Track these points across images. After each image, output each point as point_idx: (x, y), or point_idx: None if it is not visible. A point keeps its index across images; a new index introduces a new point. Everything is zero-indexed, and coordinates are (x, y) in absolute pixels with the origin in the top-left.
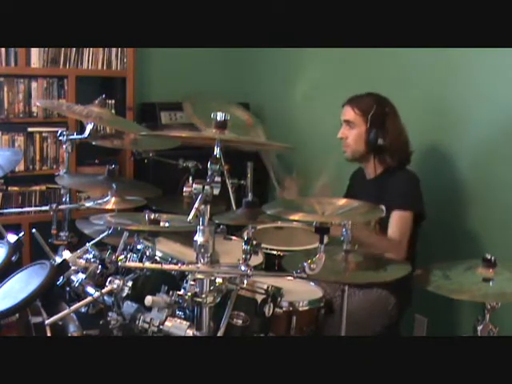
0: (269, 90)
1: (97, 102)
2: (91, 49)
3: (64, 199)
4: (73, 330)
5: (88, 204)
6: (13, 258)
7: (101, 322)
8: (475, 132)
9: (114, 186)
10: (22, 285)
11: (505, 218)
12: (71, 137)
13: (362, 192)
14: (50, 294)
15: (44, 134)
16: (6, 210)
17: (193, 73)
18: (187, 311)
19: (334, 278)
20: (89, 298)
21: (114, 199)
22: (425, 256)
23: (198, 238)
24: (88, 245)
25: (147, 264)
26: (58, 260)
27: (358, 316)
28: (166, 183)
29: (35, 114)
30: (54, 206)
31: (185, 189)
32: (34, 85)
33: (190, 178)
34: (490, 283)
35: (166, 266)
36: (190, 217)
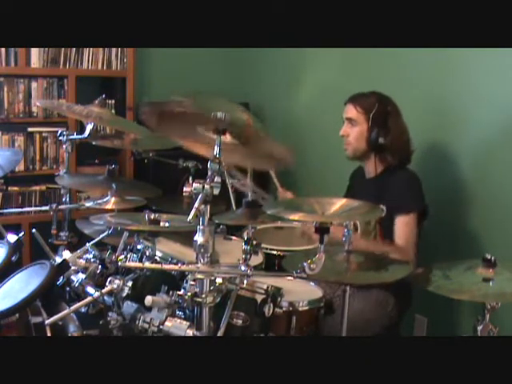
0: (269, 89)
1: (97, 102)
2: (91, 49)
3: (64, 199)
4: (73, 329)
5: (88, 204)
6: (13, 258)
7: (101, 322)
8: (475, 132)
9: (113, 186)
10: (22, 285)
11: (505, 218)
12: (71, 137)
13: (362, 191)
14: (50, 294)
15: (44, 134)
16: (6, 210)
17: (193, 73)
18: (187, 311)
19: (335, 279)
20: (89, 298)
21: (113, 199)
22: (425, 256)
23: (198, 238)
24: (88, 245)
25: (147, 264)
26: (58, 260)
27: (357, 317)
28: (166, 183)
29: (35, 114)
30: (54, 206)
31: (185, 189)
32: (34, 85)
33: (190, 178)
34: (490, 283)
35: (166, 266)
36: (190, 217)
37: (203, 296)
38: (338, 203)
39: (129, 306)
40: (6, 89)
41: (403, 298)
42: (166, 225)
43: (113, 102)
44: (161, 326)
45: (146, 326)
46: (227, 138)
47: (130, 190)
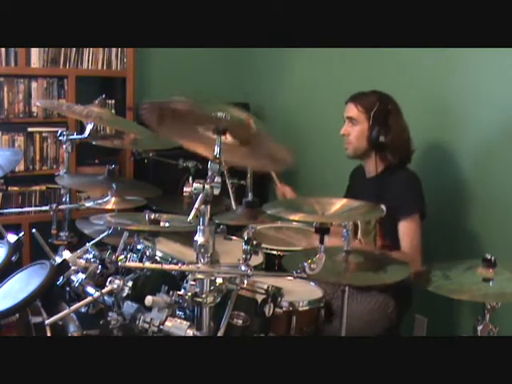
0: (269, 90)
1: (97, 102)
2: (91, 49)
3: (64, 199)
4: (73, 329)
5: (88, 204)
6: (13, 258)
7: (101, 322)
8: (475, 132)
9: (113, 186)
10: (22, 285)
11: (505, 217)
12: (71, 137)
13: (363, 191)
14: (50, 294)
15: (44, 134)
16: (6, 210)
17: (193, 73)
18: (187, 311)
19: (335, 279)
20: (89, 298)
21: (114, 199)
22: (425, 256)
23: (198, 238)
24: (88, 245)
25: (147, 264)
26: (58, 260)
27: (357, 320)
28: (166, 183)
29: (35, 114)
30: (54, 206)
31: (185, 189)
32: (34, 85)
33: (190, 178)
34: (490, 283)
35: (166, 266)
36: (190, 217)
37: (203, 296)
38: (338, 203)
39: (129, 306)
40: (6, 89)
41: (403, 300)
42: (166, 225)
43: (113, 102)
44: (161, 326)
45: (146, 325)
46: (227, 138)
47: (130, 189)
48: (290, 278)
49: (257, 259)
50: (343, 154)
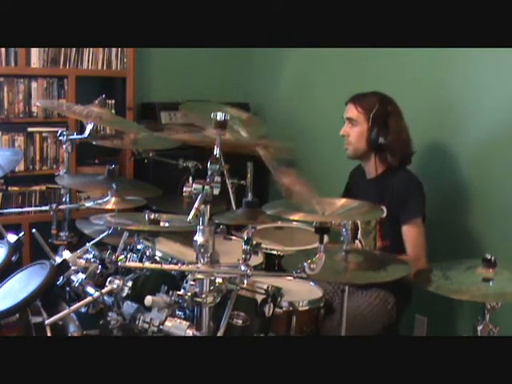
0: (269, 90)
1: (97, 102)
2: (91, 49)
3: (64, 199)
4: (73, 329)
5: (88, 204)
6: (13, 258)
7: (101, 322)
8: (475, 132)
9: (113, 186)
10: (22, 285)
11: (505, 217)
12: (71, 137)
13: (363, 192)
14: (50, 294)
15: (44, 134)
16: (6, 210)
17: (193, 73)
18: (187, 311)
19: (334, 278)
20: (89, 298)
21: (114, 199)
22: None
23: (198, 238)
24: (88, 245)
25: (147, 264)
26: (58, 260)
27: (357, 316)
28: (166, 183)
29: (35, 114)
30: (54, 206)
31: (185, 189)
32: (34, 85)
33: (190, 178)
34: (490, 283)
35: (166, 266)
36: (190, 217)
37: (203, 296)
38: (338, 203)
39: (129, 306)
40: (6, 89)
41: (403, 296)
42: (166, 225)
43: (113, 102)
44: (161, 326)
45: (146, 325)
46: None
47: (130, 190)
48: (289, 278)
49: (257, 259)
50: (343, 154)
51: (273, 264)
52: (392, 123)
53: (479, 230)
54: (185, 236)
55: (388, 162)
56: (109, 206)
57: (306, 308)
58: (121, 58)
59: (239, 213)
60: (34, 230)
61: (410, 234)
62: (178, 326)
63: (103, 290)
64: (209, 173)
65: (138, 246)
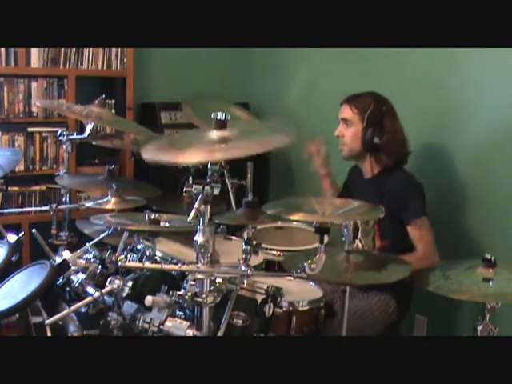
0: (269, 89)
1: (97, 102)
2: (91, 49)
3: (64, 199)
4: (73, 329)
5: (88, 204)
6: (13, 258)
7: (101, 322)
8: (475, 132)
9: (113, 186)
10: (22, 285)
11: (505, 217)
12: (71, 137)
13: (361, 192)
14: (50, 294)
15: (44, 134)
16: (6, 210)
17: (193, 73)
18: (187, 311)
19: (335, 279)
20: (89, 298)
21: (114, 199)
22: None
23: (198, 238)
24: (88, 245)
25: (147, 264)
26: (58, 260)
27: (358, 319)
28: (166, 183)
29: (35, 114)
30: (54, 206)
31: (185, 189)
32: (34, 85)
33: (190, 178)
34: (490, 283)
35: (166, 266)
36: (190, 217)
37: (203, 296)
38: (338, 203)
39: (129, 306)
40: (6, 89)
41: (404, 300)
42: (166, 225)
43: (113, 102)
44: (161, 326)
45: (146, 325)
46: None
47: (130, 190)
48: (289, 278)
49: (257, 259)
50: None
51: (273, 264)
52: (387, 123)
53: (479, 230)
54: (185, 236)
55: (383, 162)
56: (109, 206)
57: (306, 308)
58: (121, 57)
59: (239, 213)
60: (34, 230)
61: (416, 234)
62: (178, 326)
63: (103, 290)
64: (209, 173)
65: (138, 246)
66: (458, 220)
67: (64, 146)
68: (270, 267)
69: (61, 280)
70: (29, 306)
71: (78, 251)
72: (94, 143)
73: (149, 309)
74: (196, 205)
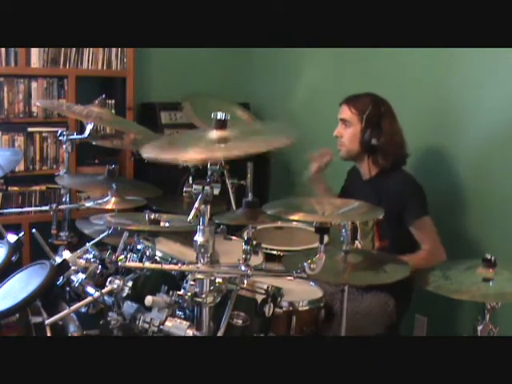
0: (269, 89)
1: (97, 102)
2: (91, 49)
3: (64, 199)
4: (73, 329)
5: (88, 204)
6: (13, 258)
7: (101, 322)
8: (475, 132)
9: (113, 186)
10: (22, 285)
11: (505, 218)
12: (71, 137)
13: (360, 193)
14: (50, 294)
15: (44, 134)
16: (6, 210)
17: (193, 73)
18: (187, 311)
19: (334, 279)
20: (89, 298)
21: (114, 199)
22: None
23: (198, 238)
24: (88, 245)
25: (147, 264)
26: (58, 260)
27: (357, 318)
28: (166, 183)
29: (35, 114)
30: (54, 206)
31: (185, 189)
32: (34, 85)
33: (190, 178)
34: (490, 283)
35: (166, 266)
36: (190, 217)
37: (203, 296)
38: (338, 203)
39: (129, 306)
40: (6, 89)
41: (403, 299)
42: (166, 225)
43: (113, 102)
44: (161, 326)
45: (146, 325)
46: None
47: (130, 190)
48: (289, 277)
49: (257, 259)
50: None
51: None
52: (385, 125)
53: (479, 230)
54: (185, 236)
55: (380, 163)
56: (109, 206)
57: (306, 308)
58: (121, 57)
59: (239, 213)
60: (34, 230)
61: (420, 234)
62: (178, 326)
63: (103, 290)
64: (209, 173)
65: (138, 246)
66: (458, 220)
67: (64, 146)
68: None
69: (61, 280)
70: (29, 305)
71: (78, 251)
72: (94, 143)
73: (149, 309)
74: (196, 205)
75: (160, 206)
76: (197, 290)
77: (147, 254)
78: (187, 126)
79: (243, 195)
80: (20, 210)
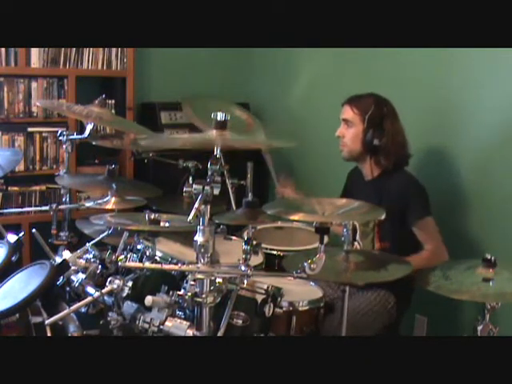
0: (269, 89)
1: (97, 102)
2: (91, 49)
3: (64, 199)
4: (73, 329)
5: (88, 204)
6: (13, 258)
7: (101, 322)
8: (475, 132)
9: (113, 186)
10: (22, 285)
11: (505, 218)
12: (71, 137)
13: (362, 194)
14: (50, 294)
15: (44, 134)
16: (6, 210)
17: (193, 73)
18: (187, 311)
19: (335, 278)
20: (89, 298)
21: (114, 199)
22: None
23: (198, 238)
24: (88, 245)
25: (147, 264)
26: (58, 260)
27: (357, 315)
28: (166, 183)
29: (35, 114)
30: (54, 206)
31: (185, 189)
32: (34, 85)
33: (190, 178)
34: (490, 283)
35: (166, 266)
36: (190, 217)
37: (203, 296)
38: (339, 203)
39: (129, 306)
40: (6, 89)
41: (403, 296)
42: (166, 225)
43: (113, 102)
44: (161, 326)
45: (146, 325)
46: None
47: (130, 190)
48: (289, 277)
49: (257, 259)
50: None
51: (273, 264)
52: (387, 125)
53: (479, 230)
54: (185, 236)
55: (382, 164)
56: (109, 206)
57: (306, 308)
58: (121, 57)
59: (239, 213)
60: (34, 230)
61: (422, 234)
62: (178, 326)
63: (103, 290)
64: (209, 173)
65: (138, 246)
66: (458, 220)
67: (64, 146)
68: (270, 262)
69: (61, 280)
70: (29, 305)
71: (78, 251)
72: (94, 143)
73: (149, 309)
74: (196, 205)
75: (160, 206)
76: (197, 290)
77: (147, 253)
78: (187, 126)
79: (243, 195)
80: (20, 210)
